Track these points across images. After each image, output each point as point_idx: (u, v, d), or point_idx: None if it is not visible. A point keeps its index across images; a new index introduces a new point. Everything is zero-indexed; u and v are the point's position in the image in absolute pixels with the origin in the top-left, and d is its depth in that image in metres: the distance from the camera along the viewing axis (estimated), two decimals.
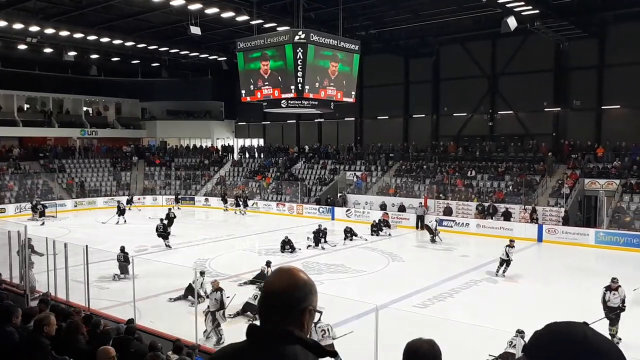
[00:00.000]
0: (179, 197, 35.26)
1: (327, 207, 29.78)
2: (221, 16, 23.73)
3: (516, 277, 16.58)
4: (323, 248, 20.95)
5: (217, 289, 11.03)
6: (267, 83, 18.05)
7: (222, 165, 39.09)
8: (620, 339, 10.42)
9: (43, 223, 26.79)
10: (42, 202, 29.62)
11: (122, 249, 16.21)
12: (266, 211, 31.42)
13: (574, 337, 1.12)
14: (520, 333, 8.79)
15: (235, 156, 41.06)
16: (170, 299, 13.53)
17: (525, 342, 8.55)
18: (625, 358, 1.13)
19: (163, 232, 21.26)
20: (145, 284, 14.02)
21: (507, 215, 24.36)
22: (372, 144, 34.57)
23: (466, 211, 26.08)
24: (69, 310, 8.09)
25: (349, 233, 22.67)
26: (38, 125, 37.26)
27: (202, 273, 13.83)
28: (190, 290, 12.85)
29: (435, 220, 23.47)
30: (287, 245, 20.03)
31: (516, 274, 16.96)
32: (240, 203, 31.64)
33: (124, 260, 15.53)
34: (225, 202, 32.97)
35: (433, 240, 22.51)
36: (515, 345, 8.45)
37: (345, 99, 18.82)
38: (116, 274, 15.64)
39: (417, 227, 25.71)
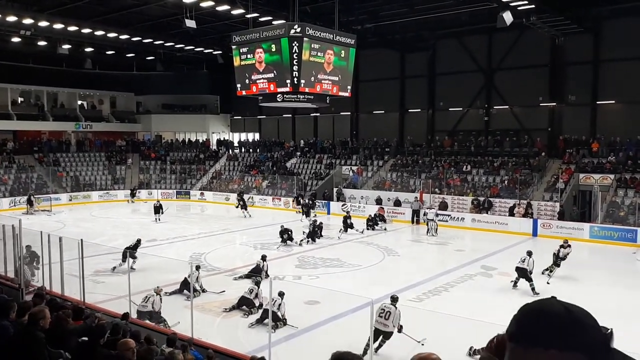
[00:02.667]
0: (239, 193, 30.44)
1: (323, 201, 29.77)
2: (216, 9, 23.63)
3: (511, 272, 16.63)
4: (302, 243, 20.48)
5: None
6: (262, 77, 18.00)
7: (218, 160, 39.00)
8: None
9: (29, 213, 27.36)
10: (35, 195, 29.60)
11: (139, 240, 16.68)
12: (262, 205, 31.39)
13: (558, 313, 1.11)
14: None
15: (234, 151, 40.71)
16: (166, 293, 13.51)
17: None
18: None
19: (159, 207, 25.69)
20: (140, 278, 14.02)
21: (510, 210, 24.37)
22: (367, 138, 34.55)
23: (461, 206, 26.15)
24: (64, 304, 8.07)
25: (348, 219, 22.72)
26: (32, 118, 37.06)
27: (197, 267, 13.85)
28: (185, 284, 12.89)
29: (434, 213, 23.50)
30: (285, 234, 20.07)
31: (511, 269, 17.02)
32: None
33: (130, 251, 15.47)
34: (298, 203, 28.24)
35: (428, 231, 22.67)
36: None
37: (341, 93, 18.81)
38: (115, 266, 15.57)
39: (412, 222, 25.77)
